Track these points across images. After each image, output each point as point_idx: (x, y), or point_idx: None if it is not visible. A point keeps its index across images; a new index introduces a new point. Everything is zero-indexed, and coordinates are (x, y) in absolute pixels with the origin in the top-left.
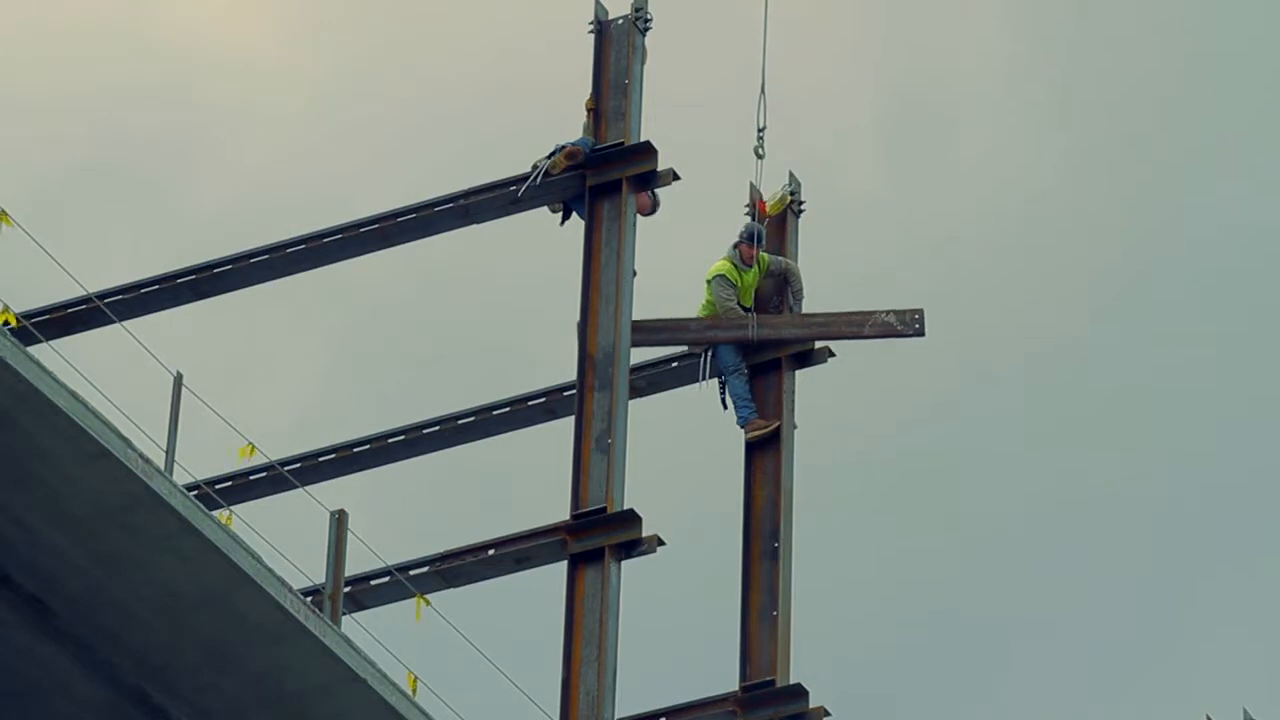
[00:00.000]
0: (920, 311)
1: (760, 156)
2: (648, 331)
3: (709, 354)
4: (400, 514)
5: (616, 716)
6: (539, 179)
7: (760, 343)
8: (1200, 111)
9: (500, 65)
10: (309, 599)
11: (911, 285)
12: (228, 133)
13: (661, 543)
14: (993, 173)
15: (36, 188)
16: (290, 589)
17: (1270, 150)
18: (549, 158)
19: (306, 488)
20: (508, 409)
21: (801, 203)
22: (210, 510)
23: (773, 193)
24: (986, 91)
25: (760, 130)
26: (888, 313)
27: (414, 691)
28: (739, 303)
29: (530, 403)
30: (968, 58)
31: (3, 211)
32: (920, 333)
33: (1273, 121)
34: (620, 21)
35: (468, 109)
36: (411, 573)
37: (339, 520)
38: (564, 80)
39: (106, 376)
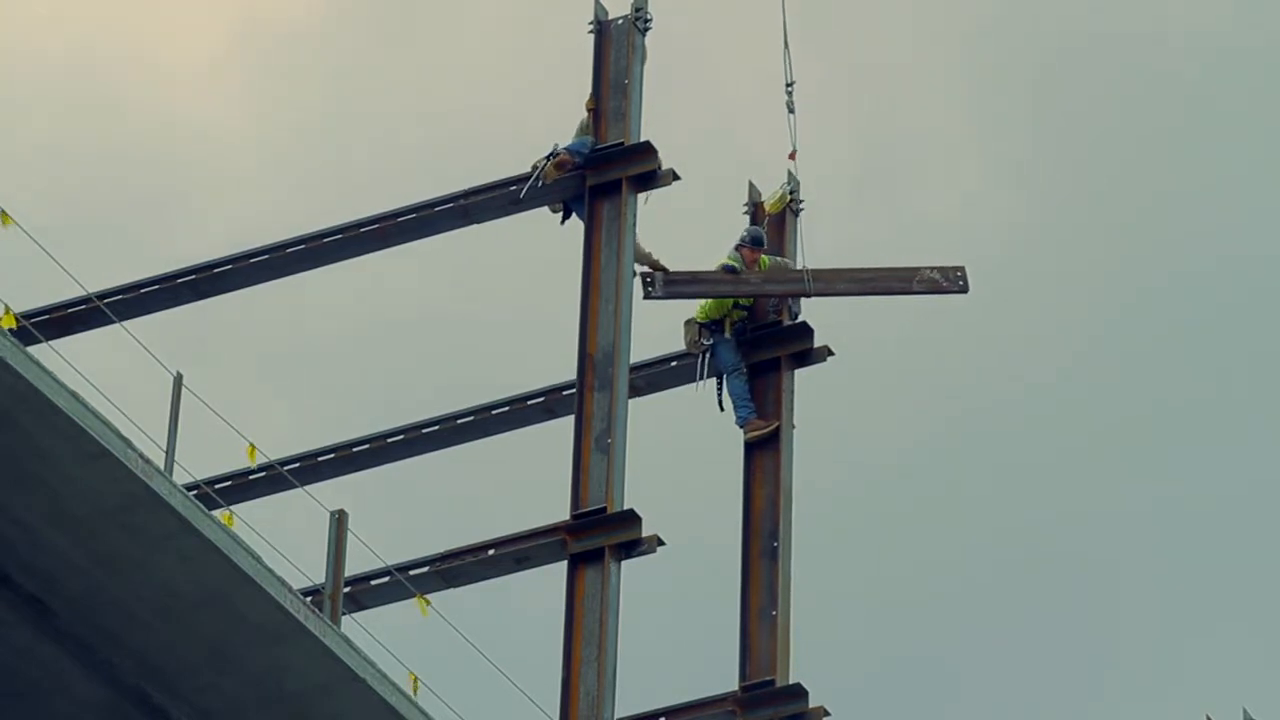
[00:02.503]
0: (962, 268)
1: (791, 111)
2: (709, 283)
3: (708, 354)
4: (400, 514)
5: (616, 716)
6: (539, 183)
7: (816, 294)
8: (1164, 168)
9: (500, 65)
10: (309, 599)
11: (887, 328)
12: (203, 193)
13: (661, 543)
14: (958, 229)
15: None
16: (290, 589)
17: (1235, 204)
18: (548, 158)
19: (306, 488)
20: (507, 409)
21: (800, 201)
22: (210, 510)
23: (772, 192)
24: (953, 149)
25: (789, 85)
26: (932, 269)
27: (415, 691)
28: (738, 301)
29: (530, 402)
30: (935, 116)
31: (2, 211)
32: (964, 289)
33: (1237, 176)
34: (620, 21)
35: (467, 110)
36: (411, 573)
37: (339, 520)
38: (564, 80)
39: (106, 376)
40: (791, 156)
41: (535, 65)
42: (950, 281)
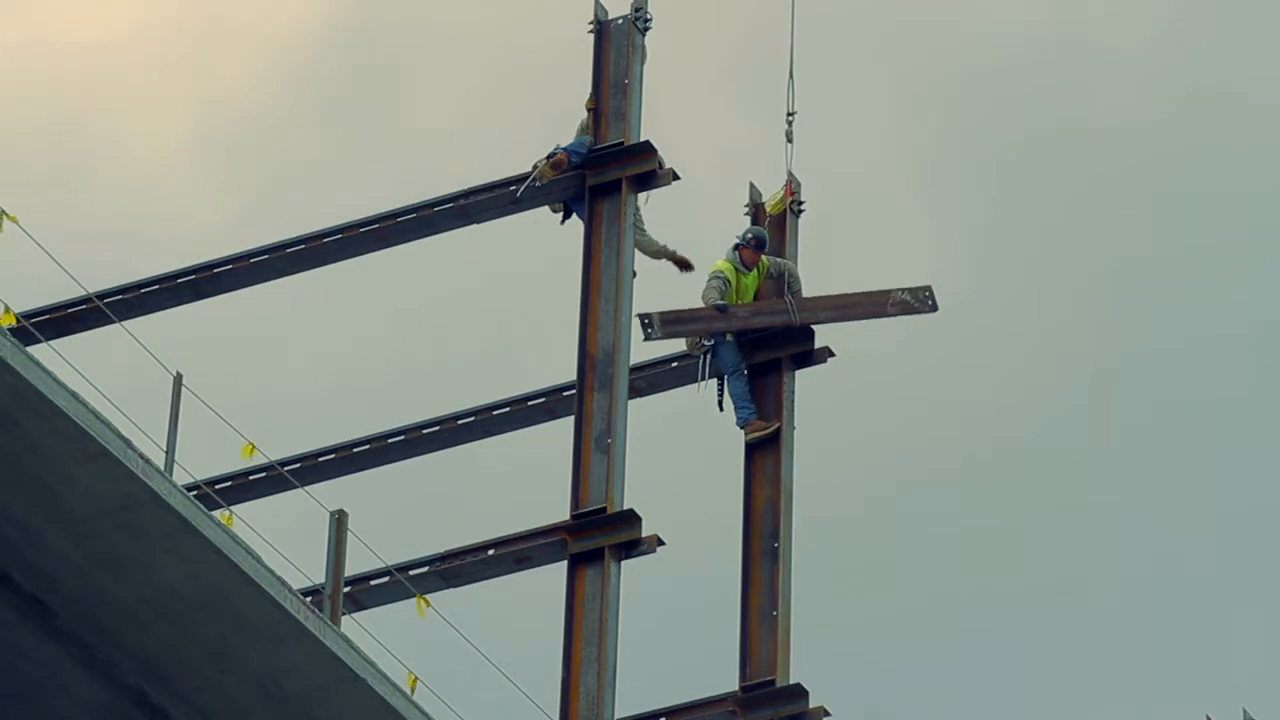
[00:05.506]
0: (929, 288)
1: (790, 140)
2: (703, 321)
3: (709, 355)
4: (400, 514)
5: (616, 716)
6: (536, 183)
7: (800, 325)
8: (1127, 239)
9: (500, 65)
10: (309, 599)
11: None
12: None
13: (661, 543)
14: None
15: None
16: (290, 589)
17: (1195, 284)
18: (548, 158)
19: (306, 488)
20: (508, 409)
21: (801, 203)
22: (210, 510)
23: (773, 193)
24: (914, 209)
25: (790, 114)
26: (902, 290)
27: (413, 691)
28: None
29: (530, 403)
30: (895, 176)
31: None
32: (934, 308)
33: (1195, 258)
34: (620, 21)
35: (467, 108)
36: (411, 573)
37: (339, 520)
38: (563, 80)
39: (106, 376)
40: (789, 191)
41: (535, 65)
42: (920, 302)
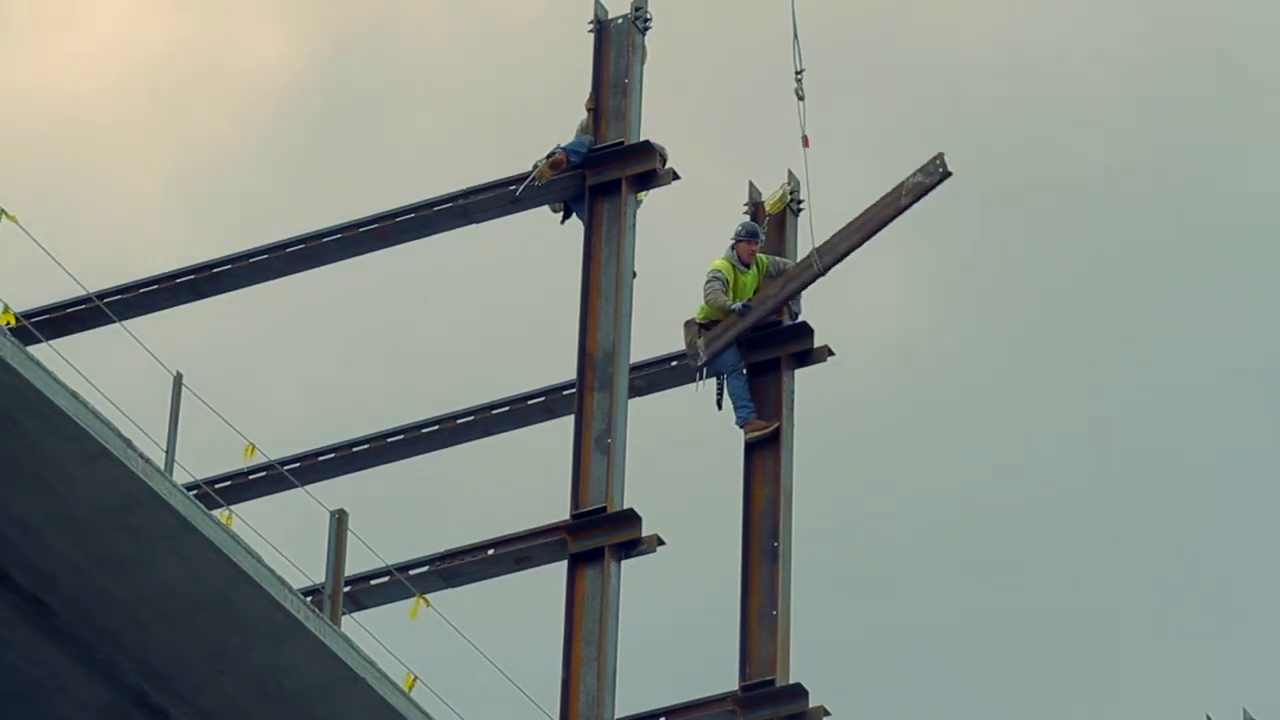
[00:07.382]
0: (940, 155)
1: (800, 98)
2: (737, 326)
3: None
4: (400, 514)
5: (616, 716)
6: (535, 183)
7: (827, 268)
8: (1098, 290)
9: (500, 65)
10: (309, 599)
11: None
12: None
13: (661, 543)
14: (893, 343)
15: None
16: (290, 589)
17: (1165, 328)
18: (548, 158)
19: (306, 488)
20: (507, 409)
21: (801, 201)
22: (210, 510)
23: (772, 192)
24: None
25: (798, 73)
26: (913, 175)
27: (413, 691)
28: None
29: (530, 402)
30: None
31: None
32: (948, 173)
33: (1164, 303)
34: (620, 21)
35: (467, 108)
36: (411, 573)
37: (339, 520)
38: (564, 80)
39: (106, 376)
40: (805, 143)
41: (535, 65)
42: (932, 176)
